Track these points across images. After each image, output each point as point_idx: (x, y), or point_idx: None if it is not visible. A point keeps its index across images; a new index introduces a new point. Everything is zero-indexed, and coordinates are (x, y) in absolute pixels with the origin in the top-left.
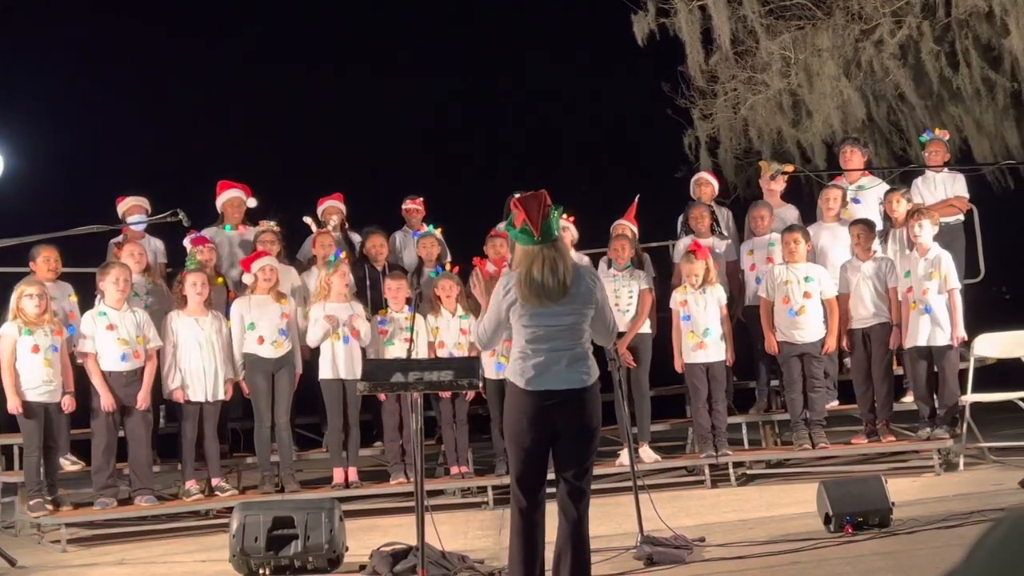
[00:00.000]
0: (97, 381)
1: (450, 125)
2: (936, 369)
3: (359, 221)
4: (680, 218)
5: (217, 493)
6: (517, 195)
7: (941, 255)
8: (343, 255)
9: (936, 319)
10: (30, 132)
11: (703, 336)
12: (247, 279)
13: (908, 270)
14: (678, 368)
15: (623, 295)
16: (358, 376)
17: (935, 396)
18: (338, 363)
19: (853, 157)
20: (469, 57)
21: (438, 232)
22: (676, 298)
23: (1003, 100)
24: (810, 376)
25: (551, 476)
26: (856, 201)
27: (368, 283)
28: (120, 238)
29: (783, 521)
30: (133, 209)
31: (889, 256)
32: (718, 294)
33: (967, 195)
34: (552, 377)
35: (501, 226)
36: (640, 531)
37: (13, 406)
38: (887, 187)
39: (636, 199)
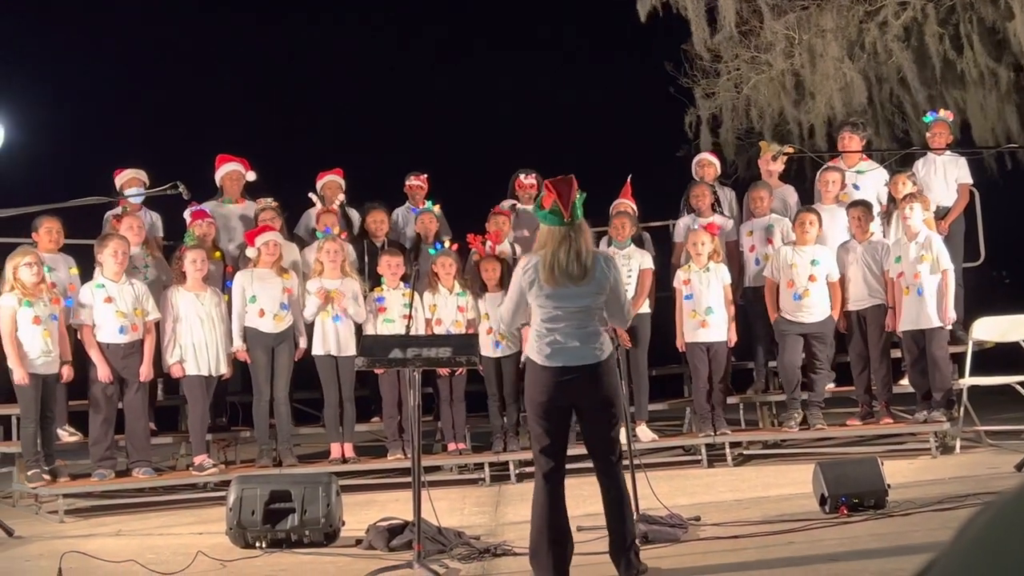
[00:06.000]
0: (94, 353)
1: (449, 102)
2: (927, 352)
3: (361, 197)
4: (683, 197)
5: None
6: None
7: (932, 237)
8: (334, 231)
9: (928, 301)
10: (30, 103)
11: (705, 315)
12: (250, 252)
13: (899, 255)
14: (680, 347)
15: (622, 273)
16: (351, 352)
17: (928, 378)
18: (329, 339)
19: (851, 142)
20: (468, 33)
21: (437, 209)
22: (680, 276)
23: (1006, 84)
24: (812, 358)
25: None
26: (856, 187)
27: (367, 258)
28: (118, 210)
29: (779, 501)
30: (131, 182)
31: (889, 239)
32: (722, 273)
33: (970, 180)
34: (567, 354)
35: (505, 204)
36: (636, 509)
37: (20, 376)
38: (884, 172)
39: (629, 178)
